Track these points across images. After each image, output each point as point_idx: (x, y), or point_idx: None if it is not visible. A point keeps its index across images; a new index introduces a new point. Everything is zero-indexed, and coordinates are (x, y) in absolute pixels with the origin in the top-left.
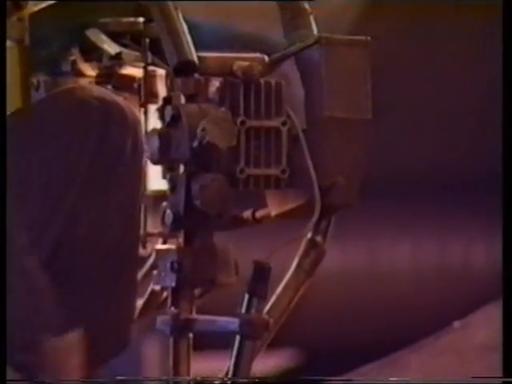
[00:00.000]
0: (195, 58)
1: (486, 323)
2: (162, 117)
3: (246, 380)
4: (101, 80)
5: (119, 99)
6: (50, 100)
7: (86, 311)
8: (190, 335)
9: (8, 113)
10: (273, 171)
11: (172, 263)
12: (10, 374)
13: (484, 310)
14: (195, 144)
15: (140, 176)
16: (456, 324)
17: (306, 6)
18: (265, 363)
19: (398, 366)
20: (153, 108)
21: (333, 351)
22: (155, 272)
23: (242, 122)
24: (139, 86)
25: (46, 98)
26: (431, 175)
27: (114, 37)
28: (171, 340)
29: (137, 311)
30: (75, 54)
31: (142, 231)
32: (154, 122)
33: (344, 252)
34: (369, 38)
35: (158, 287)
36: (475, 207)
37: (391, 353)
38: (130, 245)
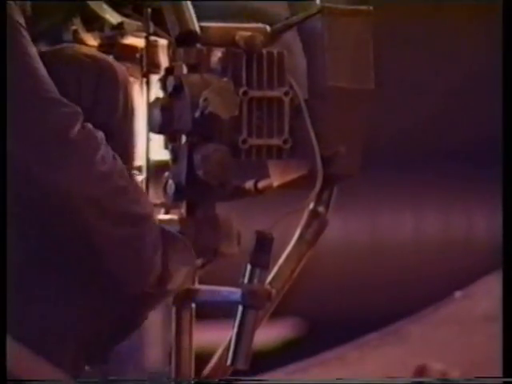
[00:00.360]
0: (197, 28)
1: (486, 293)
2: (164, 87)
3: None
4: (102, 50)
5: (109, 58)
6: (42, 59)
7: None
8: (193, 305)
9: None
10: (275, 141)
11: None
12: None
13: (485, 280)
14: (197, 114)
15: (132, 136)
16: (457, 294)
17: None
18: (267, 333)
19: (399, 336)
20: (155, 78)
21: (334, 321)
22: None
23: (245, 93)
24: (141, 56)
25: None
26: (433, 146)
27: (116, 7)
28: (173, 310)
29: None
30: (77, 24)
31: None
32: (156, 93)
33: (346, 223)
34: (371, 7)
35: None
36: (476, 177)
37: (392, 323)
38: None
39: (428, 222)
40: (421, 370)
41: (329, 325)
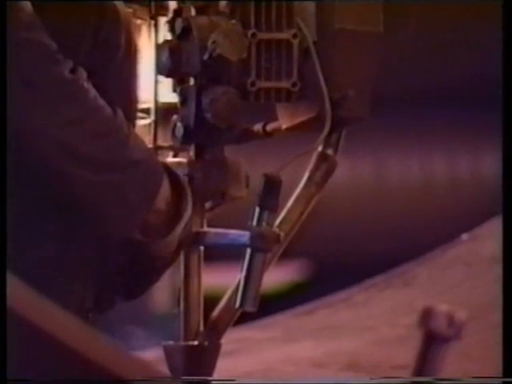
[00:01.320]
0: None
1: (493, 235)
2: (172, 29)
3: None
4: None
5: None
6: None
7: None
8: (201, 248)
9: None
10: (284, 84)
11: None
12: None
13: (492, 222)
14: (206, 57)
15: (135, 77)
16: (464, 236)
17: None
18: (275, 276)
19: (406, 278)
20: (163, 20)
21: (342, 264)
22: None
23: (253, 35)
24: None
25: None
26: (439, 90)
27: None
28: (182, 253)
29: None
30: None
31: (152, 144)
32: (165, 35)
33: (355, 165)
34: None
35: None
36: (482, 119)
37: (399, 265)
38: None
39: (435, 165)
40: (427, 312)
41: (336, 267)
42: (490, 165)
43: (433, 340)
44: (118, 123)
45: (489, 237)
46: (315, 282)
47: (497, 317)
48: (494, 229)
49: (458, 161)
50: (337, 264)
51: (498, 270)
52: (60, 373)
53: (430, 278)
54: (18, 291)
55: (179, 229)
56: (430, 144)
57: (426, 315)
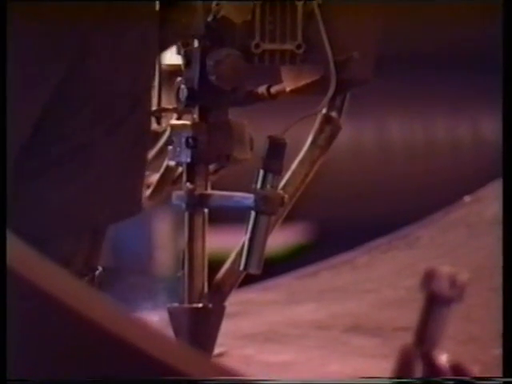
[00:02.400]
0: None
1: (496, 197)
2: None
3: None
4: None
5: None
6: None
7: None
8: (205, 210)
9: None
10: (288, 46)
11: (187, 138)
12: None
13: (494, 184)
14: (210, 18)
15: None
16: (467, 198)
17: None
18: (278, 238)
19: (409, 240)
20: None
21: (345, 226)
22: (170, 148)
23: None
24: None
25: None
26: (441, 54)
27: None
28: (186, 215)
29: (152, 186)
30: None
31: (156, 107)
32: None
33: (358, 128)
34: None
35: (172, 163)
36: (486, 81)
37: (402, 227)
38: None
39: (437, 127)
40: (429, 274)
41: (339, 229)
42: (491, 127)
43: (435, 302)
44: None
45: (491, 199)
46: (318, 245)
47: (499, 278)
48: (496, 191)
49: (459, 123)
50: (340, 226)
51: (500, 232)
52: (61, 335)
53: (432, 240)
54: (18, 251)
55: None
56: (432, 106)
57: (428, 277)
